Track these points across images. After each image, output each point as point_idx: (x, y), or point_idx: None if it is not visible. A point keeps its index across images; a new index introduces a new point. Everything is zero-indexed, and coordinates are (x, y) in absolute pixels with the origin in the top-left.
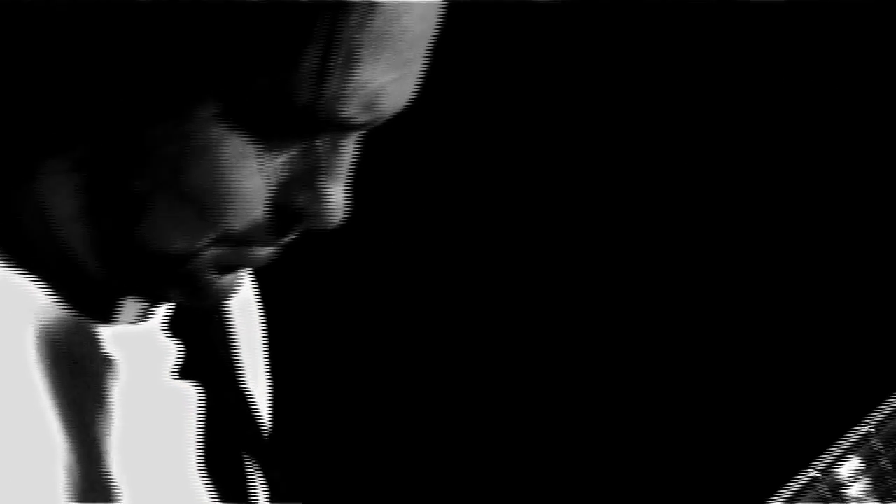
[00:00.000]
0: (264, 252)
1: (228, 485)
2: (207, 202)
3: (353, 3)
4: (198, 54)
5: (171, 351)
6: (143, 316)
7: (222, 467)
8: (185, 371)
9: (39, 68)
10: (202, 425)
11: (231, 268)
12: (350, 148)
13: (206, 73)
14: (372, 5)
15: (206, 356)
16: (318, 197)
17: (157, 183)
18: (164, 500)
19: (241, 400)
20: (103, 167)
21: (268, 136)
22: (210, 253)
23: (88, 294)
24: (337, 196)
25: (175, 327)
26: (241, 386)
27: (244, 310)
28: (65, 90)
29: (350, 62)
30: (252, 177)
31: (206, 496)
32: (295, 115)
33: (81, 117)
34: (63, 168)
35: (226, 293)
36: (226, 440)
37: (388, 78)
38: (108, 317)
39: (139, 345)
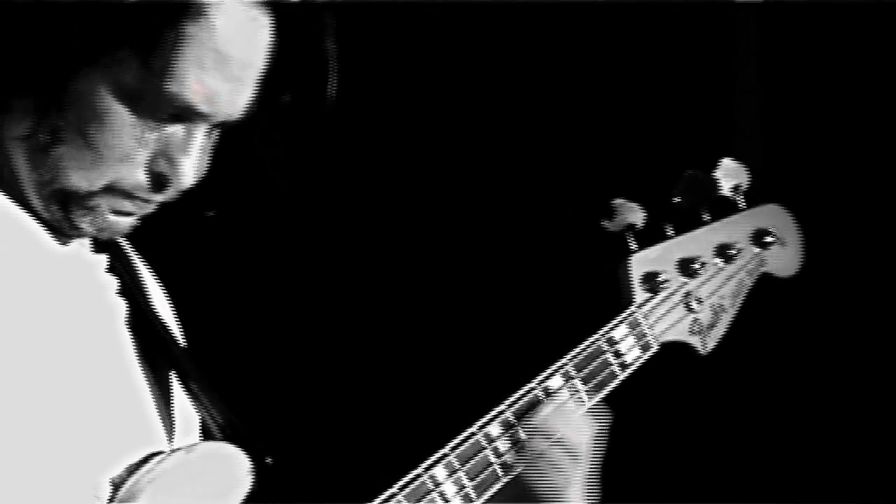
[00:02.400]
0: (147, 207)
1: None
2: (102, 153)
3: (199, 21)
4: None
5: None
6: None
7: (149, 364)
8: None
9: None
10: (131, 331)
11: (124, 213)
12: (199, 136)
13: (102, 55)
14: (211, 27)
15: (128, 285)
16: (174, 167)
17: (68, 139)
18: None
19: (152, 314)
20: (41, 121)
21: (145, 116)
22: (106, 199)
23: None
24: (187, 168)
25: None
26: (151, 305)
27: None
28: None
29: (192, 66)
30: (132, 142)
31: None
32: (155, 94)
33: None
34: (17, 133)
35: (121, 230)
36: (146, 343)
37: (221, 86)
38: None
39: (87, 268)
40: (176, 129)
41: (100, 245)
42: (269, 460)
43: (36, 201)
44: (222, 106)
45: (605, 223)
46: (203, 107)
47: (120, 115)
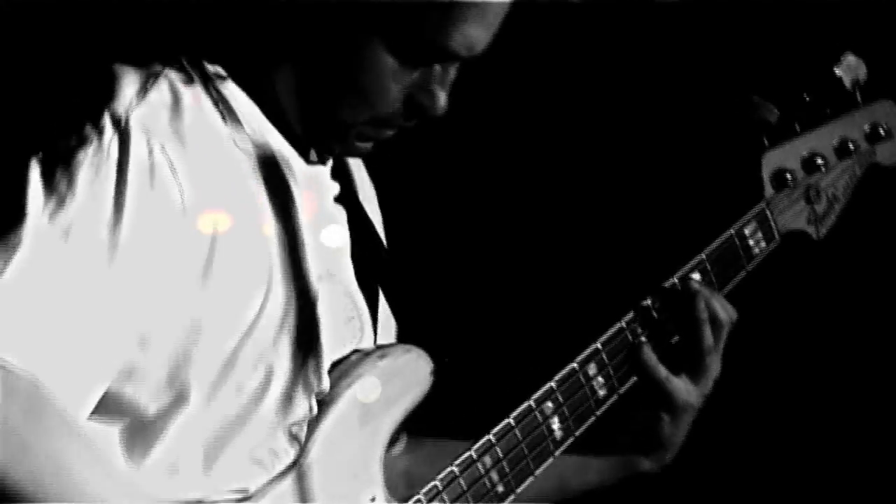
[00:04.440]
0: (389, 133)
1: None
2: (369, 95)
3: None
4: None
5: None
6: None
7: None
8: (339, 199)
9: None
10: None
11: (369, 139)
12: (452, 73)
13: (378, 24)
14: None
15: (348, 193)
16: (432, 99)
17: (341, 80)
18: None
19: (366, 220)
20: (311, 72)
21: (406, 61)
22: (362, 128)
23: (296, 145)
24: (443, 100)
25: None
26: (366, 214)
27: (371, 195)
28: (291, 29)
29: (457, 20)
30: (395, 83)
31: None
32: (424, 48)
33: (303, 44)
34: (287, 73)
35: (363, 152)
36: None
37: (480, 34)
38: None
39: (319, 177)
40: (430, 69)
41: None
42: (446, 360)
43: (299, 129)
44: (477, 48)
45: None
46: (463, 52)
47: (388, 64)
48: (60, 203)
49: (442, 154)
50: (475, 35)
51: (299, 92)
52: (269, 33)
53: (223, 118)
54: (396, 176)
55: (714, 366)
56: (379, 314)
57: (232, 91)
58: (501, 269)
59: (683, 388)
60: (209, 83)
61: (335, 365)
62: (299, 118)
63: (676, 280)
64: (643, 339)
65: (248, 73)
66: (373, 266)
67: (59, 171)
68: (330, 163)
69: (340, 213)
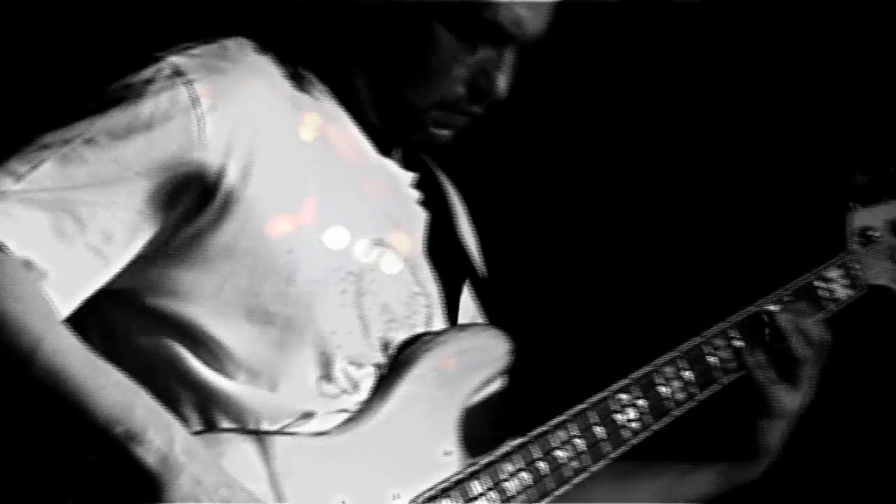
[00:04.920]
0: (461, 119)
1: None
2: (436, 77)
3: None
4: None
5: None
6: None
7: (441, 259)
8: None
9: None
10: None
11: (446, 126)
12: (510, 57)
13: (437, 5)
14: None
15: (435, 200)
16: (491, 81)
17: (407, 64)
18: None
19: (449, 219)
20: (381, 61)
21: (464, 38)
22: (433, 113)
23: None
24: (501, 82)
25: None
26: (451, 211)
27: (458, 200)
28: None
29: (511, 2)
30: (459, 66)
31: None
32: (482, 29)
33: (378, 47)
34: (362, 67)
35: (442, 141)
36: (441, 243)
37: (525, 12)
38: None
39: (397, 172)
40: (489, 52)
41: (412, 165)
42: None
43: (374, 118)
44: (526, 28)
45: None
46: (514, 29)
47: (449, 43)
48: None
49: (529, 156)
50: (522, 13)
51: (372, 83)
52: (343, 30)
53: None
54: (480, 180)
55: (808, 377)
56: (460, 307)
57: (318, 89)
58: (596, 272)
59: (783, 394)
60: (302, 81)
61: (413, 341)
62: (375, 110)
63: (758, 309)
64: (746, 345)
65: (329, 72)
66: (451, 259)
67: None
68: (413, 175)
69: (415, 203)
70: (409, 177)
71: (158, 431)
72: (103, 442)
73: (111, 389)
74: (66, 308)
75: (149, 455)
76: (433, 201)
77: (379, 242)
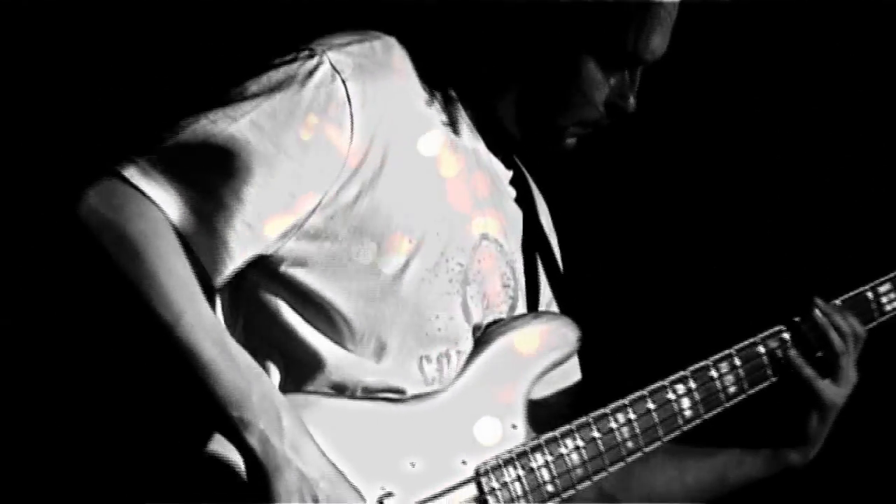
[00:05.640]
0: (587, 132)
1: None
2: (581, 101)
3: (653, 7)
4: (589, 39)
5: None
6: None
7: (529, 253)
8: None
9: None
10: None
11: (574, 136)
12: (638, 76)
13: (590, 43)
14: (659, 7)
15: (525, 197)
16: (626, 101)
17: (558, 90)
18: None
19: (535, 216)
20: (536, 88)
21: (608, 69)
22: (572, 129)
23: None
24: (633, 100)
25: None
26: (537, 208)
27: (545, 208)
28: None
29: (648, 34)
30: (599, 91)
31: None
32: (623, 59)
33: (528, 71)
34: (510, 89)
35: (570, 148)
36: (530, 239)
37: (660, 42)
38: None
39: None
40: (622, 75)
41: (508, 163)
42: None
43: (514, 130)
44: (657, 53)
45: None
46: (647, 57)
47: (596, 76)
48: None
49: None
50: (657, 43)
51: (520, 101)
52: (503, 51)
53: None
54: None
55: (849, 370)
56: (540, 299)
57: (458, 107)
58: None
59: (828, 388)
60: (448, 102)
61: (493, 324)
62: (517, 123)
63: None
64: (790, 345)
65: (479, 84)
66: (536, 253)
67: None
68: (511, 173)
69: (512, 201)
70: (508, 175)
71: (270, 422)
72: (219, 423)
73: (234, 374)
74: (218, 278)
75: (257, 445)
76: (524, 199)
77: (485, 237)
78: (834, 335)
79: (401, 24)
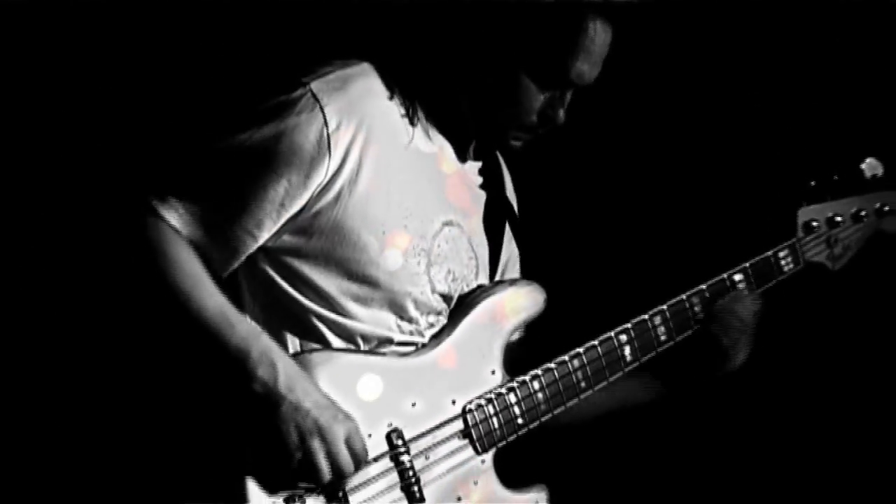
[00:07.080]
0: (529, 136)
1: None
2: (517, 109)
3: (582, 32)
4: (527, 58)
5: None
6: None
7: (491, 225)
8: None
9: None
10: (490, 213)
11: (517, 139)
12: (568, 97)
13: (527, 64)
14: (588, 39)
15: (493, 181)
16: (555, 113)
17: (501, 99)
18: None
19: (504, 201)
20: (485, 95)
21: (541, 86)
22: (513, 132)
23: (460, 147)
24: (561, 114)
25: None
26: (505, 196)
27: (508, 176)
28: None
29: (574, 62)
30: (533, 101)
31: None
32: (552, 81)
33: (475, 79)
34: (467, 97)
35: (515, 149)
36: (493, 214)
37: (587, 69)
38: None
39: (470, 171)
40: (554, 94)
41: (480, 155)
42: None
43: (472, 130)
44: (584, 80)
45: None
46: (576, 81)
47: (531, 89)
48: None
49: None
50: (585, 69)
51: (473, 106)
52: (455, 68)
53: (411, 123)
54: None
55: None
56: (500, 263)
57: (418, 112)
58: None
59: (720, 358)
60: (416, 112)
61: (469, 294)
62: (474, 124)
63: (725, 276)
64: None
65: (438, 96)
66: (501, 226)
67: None
68: (479, 164)
69: (478, 188)
70: (476, 166)
71: (266, 370)
72: (227, 378)
73: (235, 338)
74: (224, 271)
75: (258, 387)
76: (491, 183)
77: (448, 223)
78: (727, 316)
79: (373, 44)
